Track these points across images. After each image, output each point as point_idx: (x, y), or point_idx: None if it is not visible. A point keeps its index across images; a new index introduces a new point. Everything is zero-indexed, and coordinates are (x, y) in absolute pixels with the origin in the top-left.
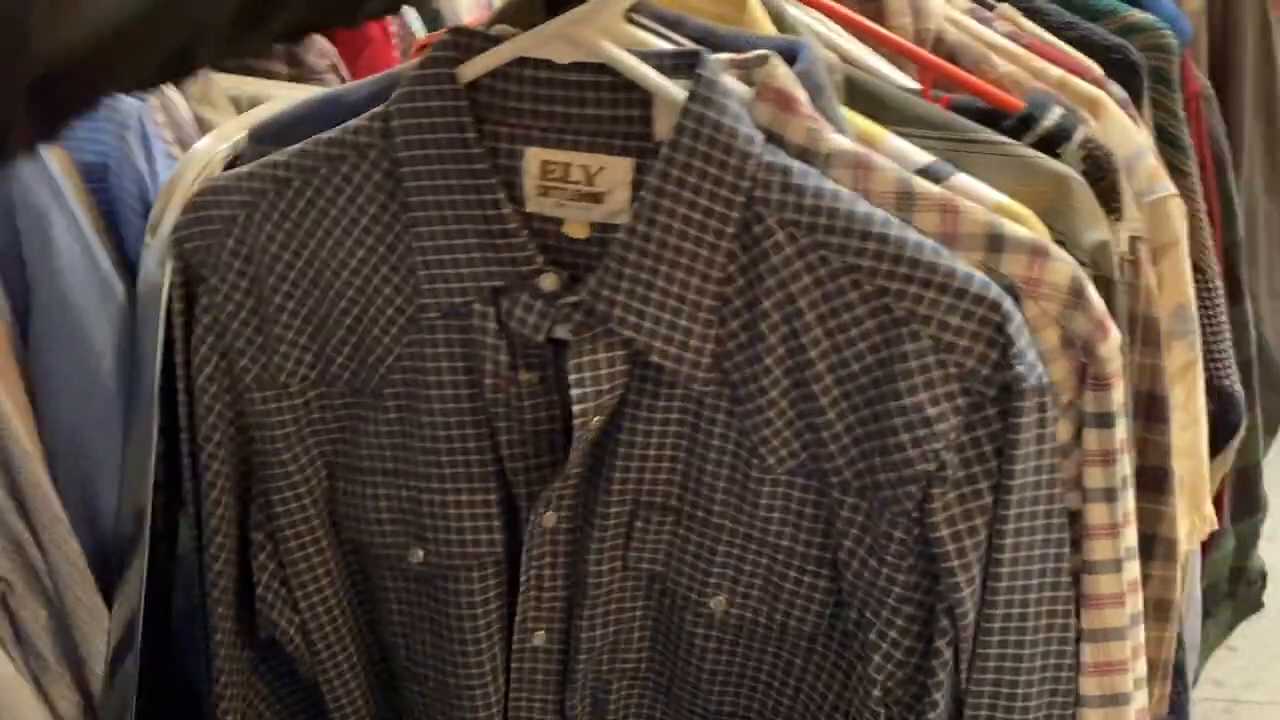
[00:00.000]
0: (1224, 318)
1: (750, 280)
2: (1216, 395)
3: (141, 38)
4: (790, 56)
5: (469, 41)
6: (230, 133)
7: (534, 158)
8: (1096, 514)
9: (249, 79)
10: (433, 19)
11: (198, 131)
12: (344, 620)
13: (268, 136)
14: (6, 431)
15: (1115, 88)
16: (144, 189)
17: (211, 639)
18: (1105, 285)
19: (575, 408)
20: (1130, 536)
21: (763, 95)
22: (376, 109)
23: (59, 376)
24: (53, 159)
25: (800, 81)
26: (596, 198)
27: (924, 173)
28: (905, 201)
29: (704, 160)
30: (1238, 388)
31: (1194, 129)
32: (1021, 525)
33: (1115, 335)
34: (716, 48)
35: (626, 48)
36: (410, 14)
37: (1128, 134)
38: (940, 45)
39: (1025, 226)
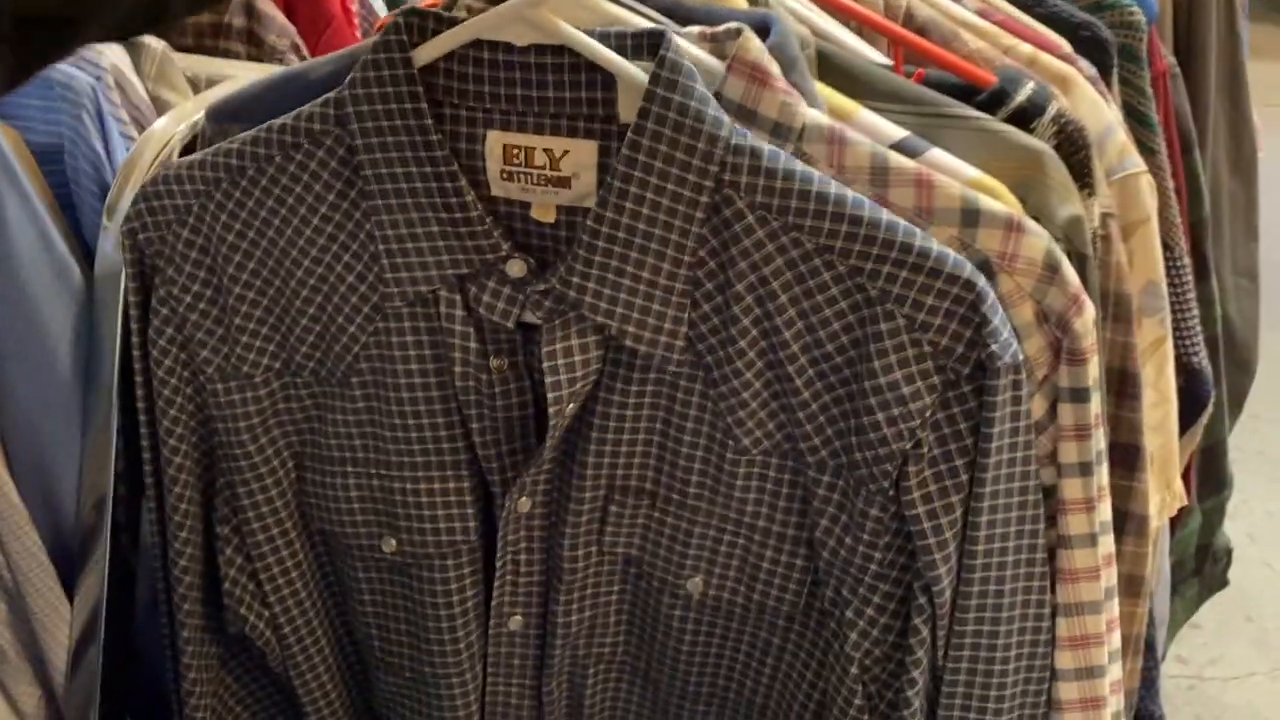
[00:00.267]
0: (1192, 295)
1: (722, 263)
2: (1185, 372)
3: None
4: (762, 30)
5: (423, 23)
6: (189, 113)
7: (495, 141)
8: (1071, 489)
9: (207, 59)
10: None
11: (154, 112)
12: (315, 613)
13: (226, 115)
14: None
15: (1085, 64)
16: (100, 170)
17: (178, 636)
18: (1079, 260)
19: (550, 395)
20: (1105, 511)
21: (735, 69)
22: (330, 94)
23: (14, 363)
24: (4, 139)
25: (773, 55)
26: (563, 181)
27: (898, 147)
28: (880, 176)
29: (670, 144)
30: (1206, 365)
31: (1160, 107)
32: (997, 503)
33: (1090, 310)
34: (686, 21)
35: (591, 25)
36: None
37: (1098, 110)
38: (910, 21)
39: (999, 201)
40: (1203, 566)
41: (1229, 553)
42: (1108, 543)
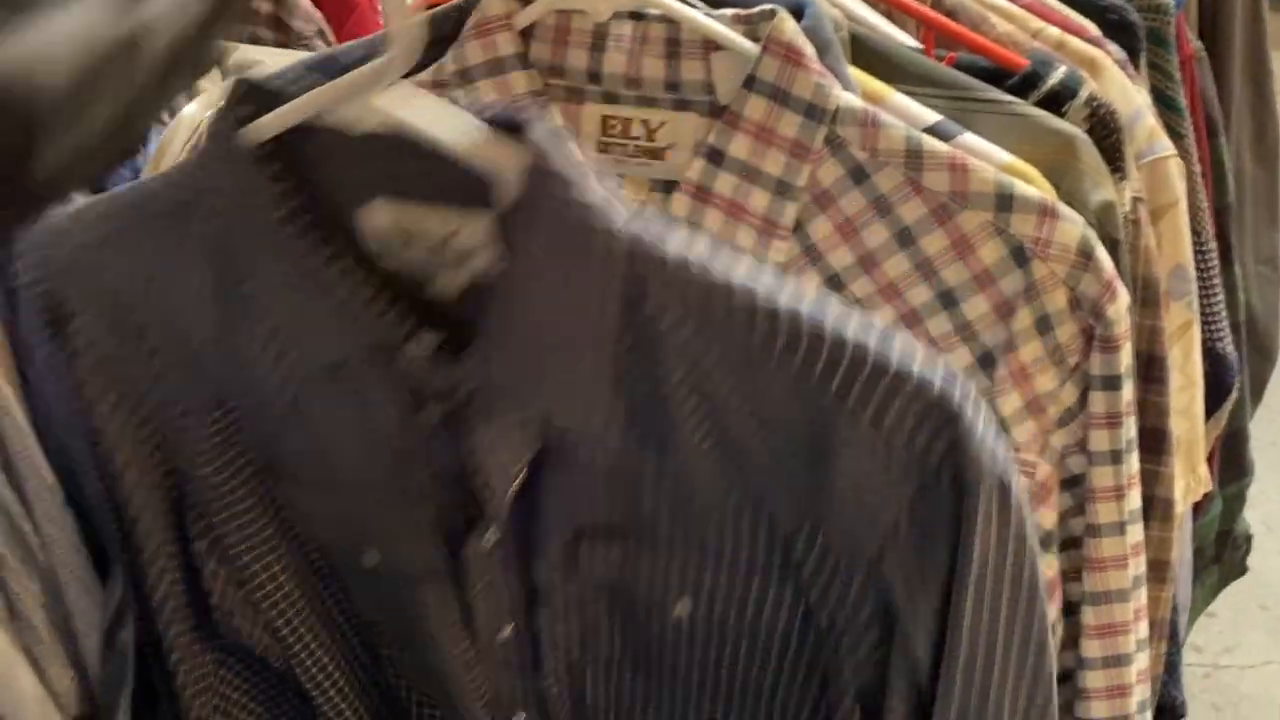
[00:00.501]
0: (1218, 280)
1: (649, 354)
2: (1210, 357)
3: (116, 139)
4: (796, 12)
5: (258, 95)
6: (217, 98)
7: (378, 212)
8: (1101, 477)
9: (234, 44)
10: None
11: (184, 96)
12: (311, 610)
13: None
14: None
15: (1113, 47)
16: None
17: (168, 659)
18: (1111, 245)
19: (481, 492)
20: (1135, 499)
21: (770, 50)
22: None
23: None
24: None
25: (807, 37)
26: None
27: (931, 131)
28: (914, 160)
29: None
30: (1231, 350)
31: (1187, 91)
32: (982, 599)
33: (1124, 297)
34: (722, 3)
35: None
36: None
37: (1127, 94)
38: (939, 5)
39: (1032, 186)
40: (1223, 553)
41: (1249, 540)
42: (1136, 531)
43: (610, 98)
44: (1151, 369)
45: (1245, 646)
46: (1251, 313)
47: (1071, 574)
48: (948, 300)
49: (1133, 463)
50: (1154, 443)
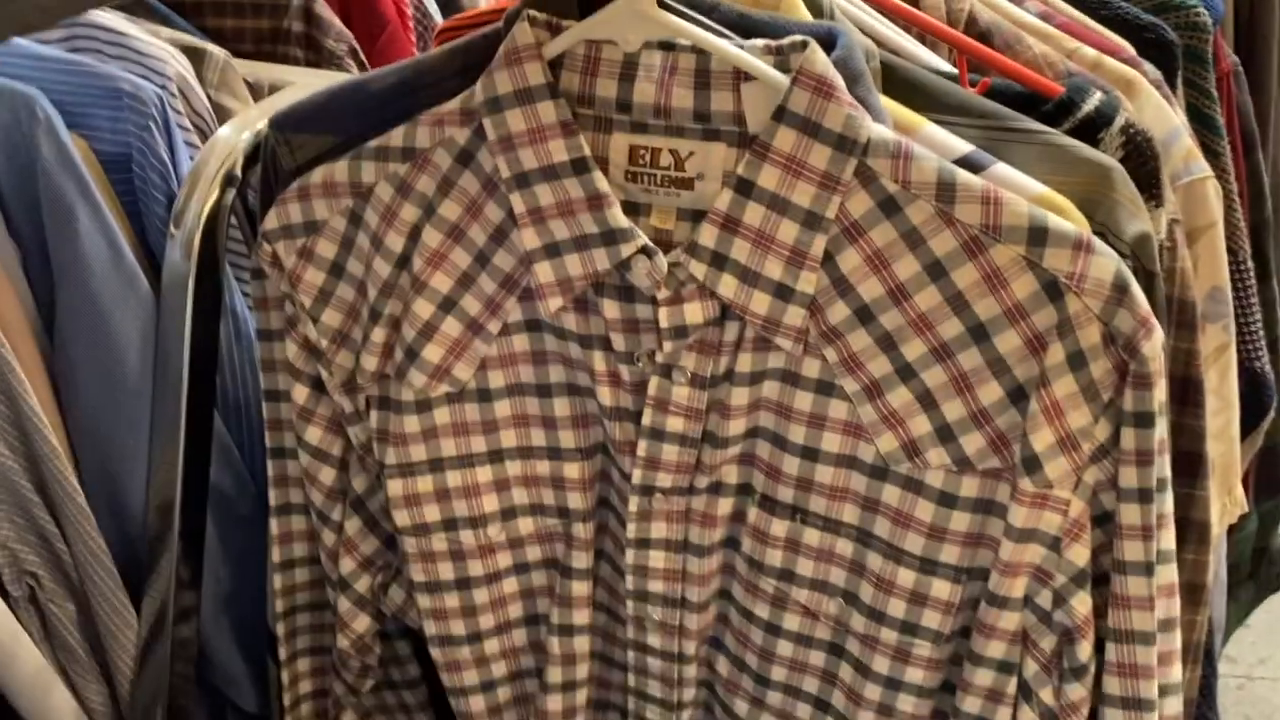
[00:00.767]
0: (1255, 299)
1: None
2: (1247, 376)
3: None
4: (828, 43)
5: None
6: (252, 120)
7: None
8: (1129, 514)
9: (267, 65)
10: (448, 1)
11: (216, 120)
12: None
13: (290, 125)
14: (32, 428)
15: (1149, 67)
16: (167, 180)
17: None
18: (1147, 278)
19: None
20: (1166, 540)
21: (800, 82)
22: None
23: (84, 371)
24: (76, 150)
25: (838, 68)
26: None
27: (963, 162)
28: (946, 192)
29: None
30: (1268, 369)
31: (1224, 107)
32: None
33: (1159, 334)
34: (751, 33)
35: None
36: None
37: (1163, 115)
38: (973, 26)
39: (1066, 218)
40: (1258, 569)
41: None
42: (1167, 573)
43: (639, 127)
44: (1187, 393)
45: (1279, 658)
46: None
47: (1103, 610)
48: (979, 334)
49: (1164, 502)
50: (1189, 467)
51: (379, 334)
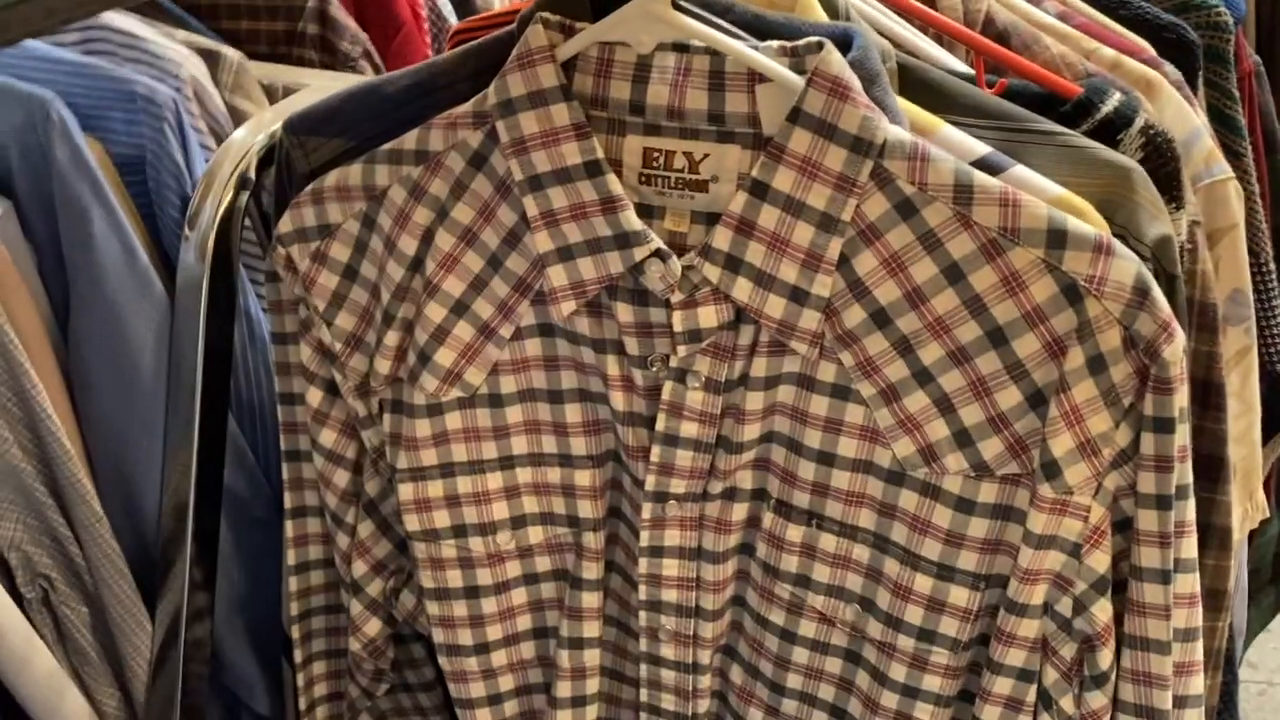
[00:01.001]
0: (1277, 301)
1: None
2: (1269, 380)
3: None
4: (844, 44)
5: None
6: (266, 123)
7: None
8: (1146, 520)
9: (282, 67)
10: (462, 2)
11: (231, 122)
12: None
13: (304, 128)
14: (46, 430)
15: (1169, 68)
16: (181, 182)
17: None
18: (1168, 281)
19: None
20: (1186, 549)
21: (816, 83)
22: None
23: (98, 374)
24: (91, 153)
25: (854, 70)
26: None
27: (981, 164)
28: (963, 194)
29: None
30: None
31: (1246, 108)
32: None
33: (1180, 338)
34: (767, 34)
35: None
36: None
37: (1184, 115)
38: (990, 26)
39: (1085, 220)
40: None
41: None
42: (1186, 582)
43: (653, 129)
44: (1208, 396)
45: None
46: None
47: (1121, 617)
48: (997, 338)
49: (1185, 510)
50: (1211, 471)
51: (392, 337)
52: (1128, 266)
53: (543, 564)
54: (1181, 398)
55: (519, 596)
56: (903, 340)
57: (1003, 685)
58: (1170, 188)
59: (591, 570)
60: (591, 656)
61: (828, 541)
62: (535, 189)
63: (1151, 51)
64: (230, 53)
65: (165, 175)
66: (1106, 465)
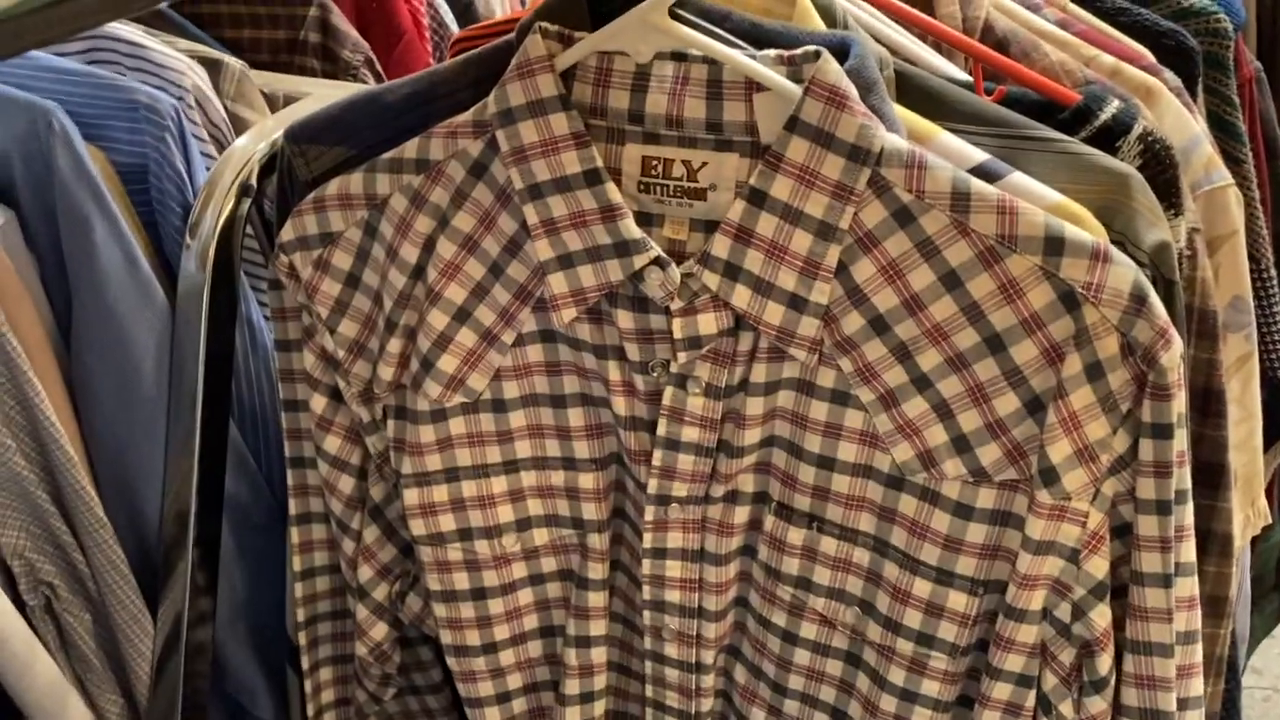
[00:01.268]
0: (1278, 308)
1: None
2: (1270, 387)
3: None
4: (841, 52)
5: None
6: (268, 131)
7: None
8: (1146, 526)
9: (283, 76)
10: (464, 10)
11: (233, 130)
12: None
13: (305, 136)
14: (49, 437)
15: (1169, 75)
16: (183, 190)
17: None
18: (1166, 287)
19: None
20: (1186, 552)
21: (813, 92)
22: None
23: (101, 381)
24: (93, 162)
25: (851, 78)
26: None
27: (978, 171)
28: (961, 202)
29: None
30: None
31: (1246, 114)
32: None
33: (1178, 344)
34: (764, 42)
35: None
36: (443, 8)
37: (1183, 122)
38: (989, 33)
39: (1083, 227)
40: None
41: None
42: (1186, 585)
43: (651, 138)
44: (1208, 403)
45: None
46: None
47: (1121, 622)
48: (995, 344)
49: (1184, 514)
50: (1212, 478)
51: (395, 344)
52: (1125, 273)
53: (548, 565)
54: (1179, 404)
55: (525, 597)
56: (901, 346)
57: (1001, 690)
58: (1169, 194)
59: (597, 570)
60: (599, 654)
61: (828, 544)
62: (535, 197)
63: (1151, 58)
64: (232, 61)
65: (167, 184)
66: (1104, 471)
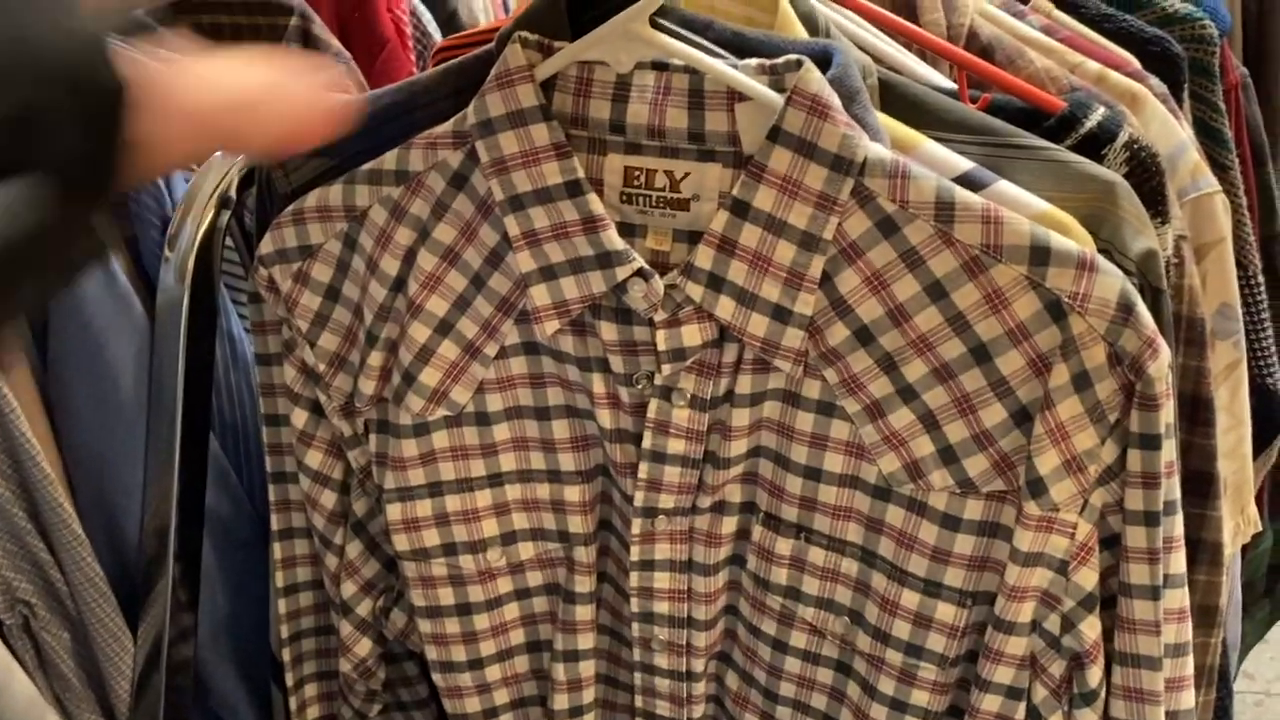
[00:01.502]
0: (1267, 315)
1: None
2: (1259, 394)
3: None
4: (823, 61)
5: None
6: None
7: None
8: (1134, 537)
9: None
10: (448, 19)
11: None
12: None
13: None
14: (25, 454)
15: (1155, 81)
16: (161, 203)
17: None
18: (1153, 295)
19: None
20: (1175, 564)
21: (795, 102)
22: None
23: (78, 397)
24: None
25: (834, 87)
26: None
27: (963, 180)
28: (945, 212)
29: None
30: None
31: (1233, 120)
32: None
33: (1165, 354)
34: (746, 52)
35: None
36: (426, 16)
37: (1169, 129)
38: (974, 40)
39: (1069, 235)
40: (1274, 587)
41: None
42: (1176, 597)
43: (633, 148)
44: (1197, 411)
45: None
46: None
47: (1111, 633)
48: (981, 355)
49: (1173, 525)
50: (1200, 486)
51: (375, 358)
52: (1112, 283)
53: (534, 579)
54: (1167, 414)
55: (511, 611)
56: (886, 357)
57: (991, 702)
58: (1155, 202)
59: (584, 584)
60: (586, 668)
61: (816, 555)
62: (516, 209)
63: (1137, 65)
64: None
65: (145, 196)
66: (1093, 482)
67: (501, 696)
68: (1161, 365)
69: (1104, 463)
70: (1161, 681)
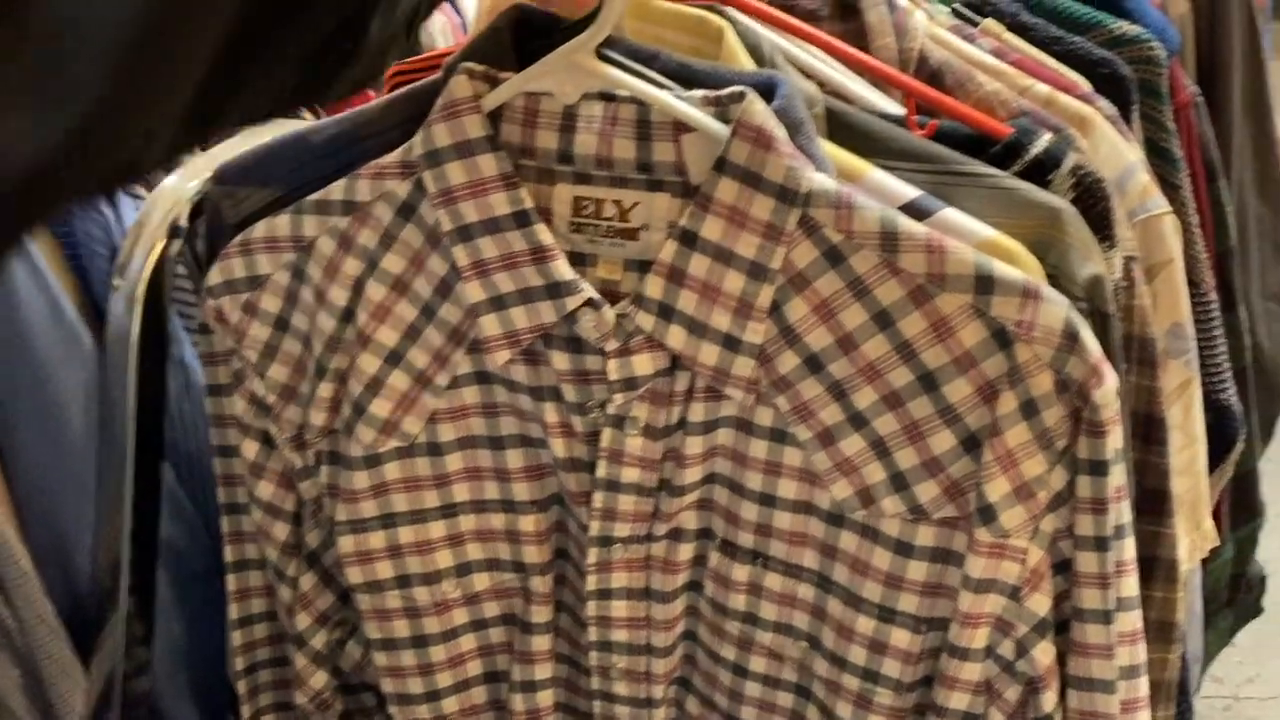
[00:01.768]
0: (1219, 331)
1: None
2: (1213, 409)
3: (82, 159)
4: (768, 92)
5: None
6: (199, 169)
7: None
8: (1085, 562)
9: None
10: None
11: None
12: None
13: (232, 178)
14: None
15: (1104, 103)
16: (109, 232)
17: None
18: (1101, 320)
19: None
20: (1126, 587)
21: (740, 133)
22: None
23: (27, 432)
24: None
25: (779, 118)
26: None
27: (910, 208)
28: (889, 242)
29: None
30: (1235, 402)
31: (1184, 139)
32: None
33: (1111, 380)
34: (694, 83)
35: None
36: None
37: (1118, 151)
38: (924, 65)
39: (1016, 262)
40: (1236, 596)
41: (1263, 580)
42: (1128, 620)
43: (582, 178)
44: (1150, 430)
45: (1267, 677)
46: (1259, 351)
47: (1064, 658)
48: (929, 383)
49: (1124, 549)
50: (1155, 504)
51: (325, 389)
52: (1056, 311)
53: (490, 610)
54: (1115, 439)
55: (468, 643)
56: (836, 385)
57: None
58: (1102, 227)
59: (541, 614)
60: (545, 698)
61: (773, 580)
62: (465, 239)
63: (1086, 87)
64: None
65: (92, 226)
66: (1043, 508)
67: None
68: (1107, 392)
69: (1053, 489)
70: (1117, 704)
